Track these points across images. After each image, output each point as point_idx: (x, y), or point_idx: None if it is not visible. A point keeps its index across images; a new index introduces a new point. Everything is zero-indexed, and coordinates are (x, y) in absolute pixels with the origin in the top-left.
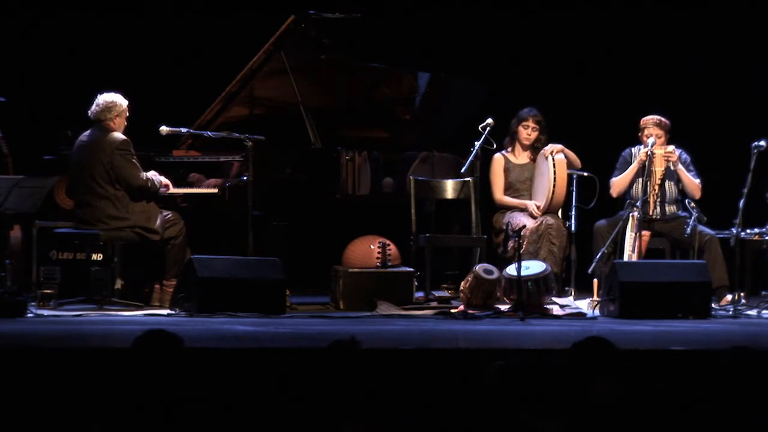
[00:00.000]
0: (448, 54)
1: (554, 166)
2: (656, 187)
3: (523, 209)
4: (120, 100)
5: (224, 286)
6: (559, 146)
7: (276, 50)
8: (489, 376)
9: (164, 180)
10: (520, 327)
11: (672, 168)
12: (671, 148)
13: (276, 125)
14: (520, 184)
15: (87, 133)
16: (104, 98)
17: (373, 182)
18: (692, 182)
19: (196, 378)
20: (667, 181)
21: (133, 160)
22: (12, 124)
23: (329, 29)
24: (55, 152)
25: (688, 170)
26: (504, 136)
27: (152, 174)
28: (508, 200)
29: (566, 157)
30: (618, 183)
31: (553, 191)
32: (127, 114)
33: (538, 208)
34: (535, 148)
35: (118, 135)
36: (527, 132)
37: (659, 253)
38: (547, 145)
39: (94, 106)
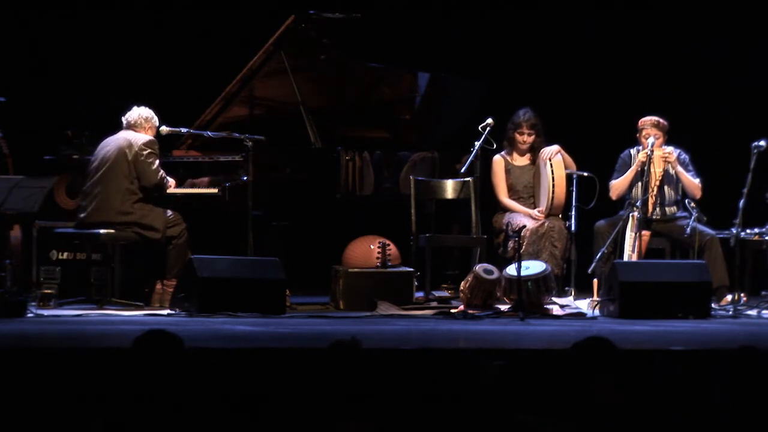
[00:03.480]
0: (448, 54)
1: (552, 169)
2: (655, 189)
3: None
4: (156, 117)
5: (224, 286)
6: (556, 148)
7: (276, 50)
8: (489, 376)
9: (171, 181)
10: (520, 327)
11: (671, 171)
12: (669, 149)
13: (276, 125)
14: (520, 186)
15: (113, 135)
16: (143, 109)
17: (376, 182)
18: (692, 182)
19: (196, 378)
20: (666, 182)
21: (157, 160)
22: (12, 124)
23: (329, 29)
24: (55, 152)
25: (687, 170)
26: (503, 136)
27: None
28: (513, 205)
29: (563, 158)
30: (617, 186)
31: (553, 192)
32: (155, 131)
33: (540, 212)
34: (533, 149)
35: (147, 135)
36: (522, 138)
37: (659, 253)
38: (543, 145)
39: (131, 113)
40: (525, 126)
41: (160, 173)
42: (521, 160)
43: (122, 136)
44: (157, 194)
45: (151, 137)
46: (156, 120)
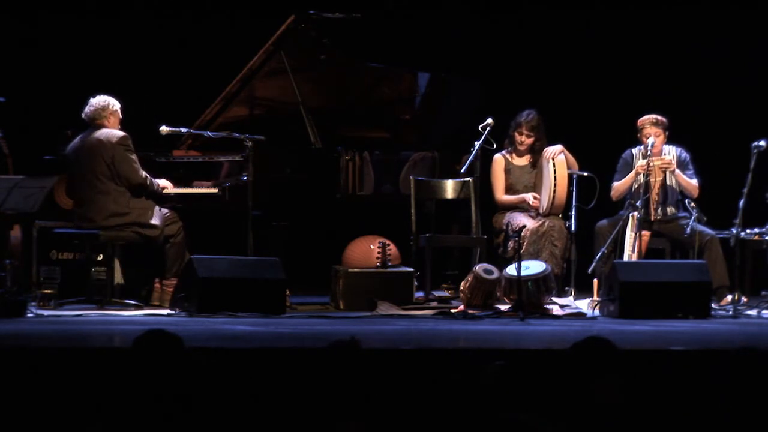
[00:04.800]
0: (448, 54)
1: (554, 168)
2: (656, 196)
3: (523, 208)
4: (113, 101)
5: (224, 286)
6: (560, 147)
7: (276, 50)
8: (489, 376)
9: (162, 183)
10: (520, 327)
11: (672, 176)
12: (668, 157)
13: (276, 125)
14: (520, 186)
15: (82, 134)
16: (97, 99)
17: (376, 183)
18: (690, 183)
19: (196, 378)
20: (666, 184)
21: (133, 156)
22: (12, 124)
23: (329, 29)
24: (55, 152)
25: (687, 169)
26: (503, 136)
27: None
28: (508, 198)
29: (566, 158)
30: (618, 187)
31: (554, 191)
32: (120, 116)
33: (536, 198)
34: (533, 151)
35: (118, 131)
36: (521, 139)
37: (659, 253)
38: (544, 147)
39: (87, 108)
40: (525, 127)
41: (141, 173)
42: (521, 161)
43: (94, 137)
44: (145, 194)
45: (122, 133)
46: (113, 105)
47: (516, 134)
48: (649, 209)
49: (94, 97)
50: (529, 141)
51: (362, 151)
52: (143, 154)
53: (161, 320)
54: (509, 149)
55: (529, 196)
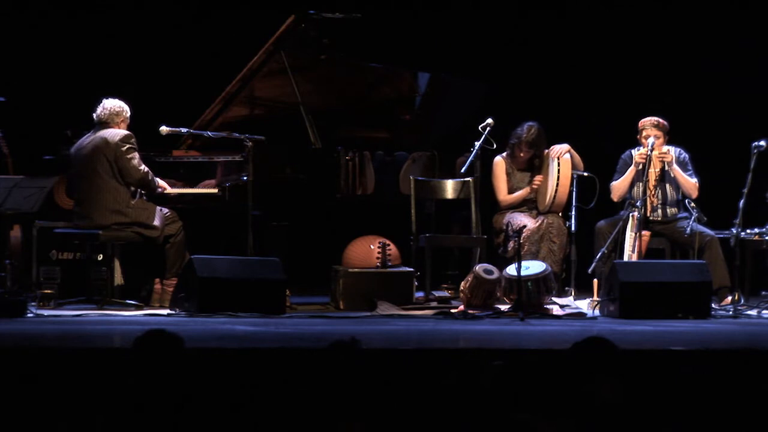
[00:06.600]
0: (448, 54)
1: (559, 166)
2: (652, 188)
3: (525, 207)
4: (126, 107)
5: (224, 286)
6: (566, 147)
7: (276, 50)
8: (488, 377)
9: (161, 183)
10: (520, 327)
11: (666, 168)
12: (666, 148)
13: (276, 125)
14: (521, 189)
15: (89, 133)
16: (112, 103)
17: (376, 183)
18: (688, 181)
19: (196, 378)
20: (667, 182)
21: (136, 154)
22: (12, 124)
23: (329, 29)
24: (55, 152)
25: (686, 169)
26: (503, 135)
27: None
28: (512, 197)
29: (572, 157)
30: (618, 187)
31: (556, 190)
32: (129, 121)
33: (539, 179)
34: (533, 166)
35: (122, 130)
36: (521, 154)
37: (659, 253)
38: (544, 159)
39: (101, 109)
40: (524, 144)
41: (143, 168)
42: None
43: (98, 136)
44: (146, 192)
45: (126, 132)
46: (127, 111)
47: (515, 148)
48: (647, 205)
49: (107, 98)
50: (529, 155)
51: (362, 151)
52: (143, 154)
53: (161, 320)
54: (509, 153)
55: (533, 184)
